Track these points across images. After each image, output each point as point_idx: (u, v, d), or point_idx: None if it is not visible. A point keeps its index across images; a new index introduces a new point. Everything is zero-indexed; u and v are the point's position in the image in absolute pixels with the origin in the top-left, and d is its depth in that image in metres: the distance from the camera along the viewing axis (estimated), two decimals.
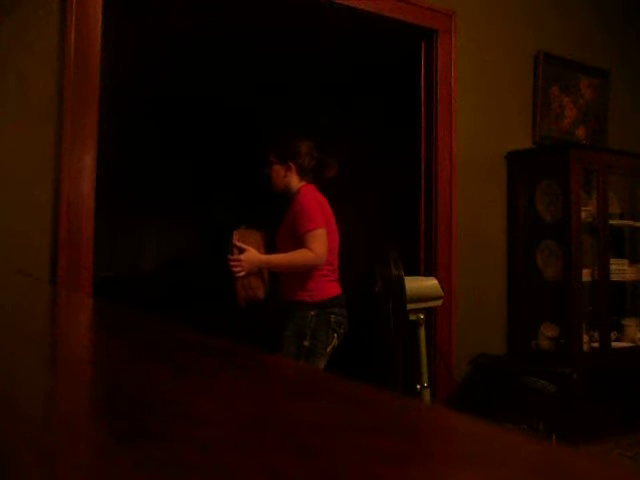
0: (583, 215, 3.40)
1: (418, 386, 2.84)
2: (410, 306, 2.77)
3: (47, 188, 2.31)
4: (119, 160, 4.80)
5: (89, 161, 2.37)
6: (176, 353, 0.52)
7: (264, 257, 2.57)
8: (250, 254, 2.54)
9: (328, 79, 4.89)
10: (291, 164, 2.65)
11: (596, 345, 3.45)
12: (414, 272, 3.14)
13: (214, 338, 0.53)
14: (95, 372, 0.45)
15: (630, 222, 3.86)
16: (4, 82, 2.26)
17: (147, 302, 4.77)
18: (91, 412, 0.34)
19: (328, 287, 2.57)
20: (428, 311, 3.04)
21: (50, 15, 2.34)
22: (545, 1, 3.81)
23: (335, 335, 2.53)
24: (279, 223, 2.66)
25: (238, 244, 2.56)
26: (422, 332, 2.89)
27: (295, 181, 2.66)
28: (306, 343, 2.47)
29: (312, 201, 2.56)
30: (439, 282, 2.94)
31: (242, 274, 2.54)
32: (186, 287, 5.54)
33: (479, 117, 3.49)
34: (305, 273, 2.53)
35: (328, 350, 2.52)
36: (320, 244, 2.47)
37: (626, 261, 3.77)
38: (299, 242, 2.48)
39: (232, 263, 2.54)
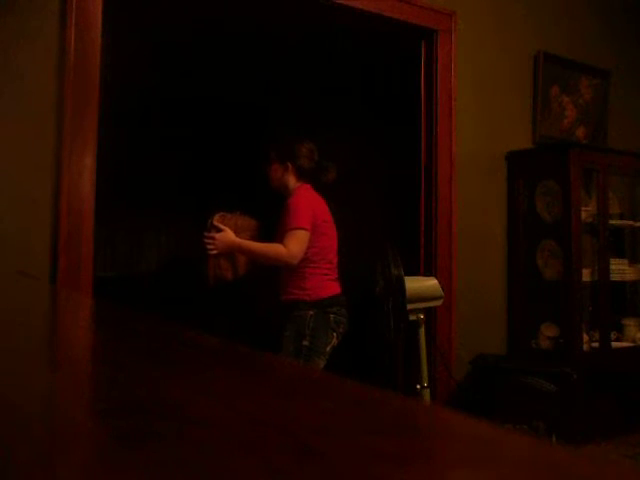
0: (583, 215, 3.40)
1: (418, 386, 2.84)
2: (410, 306, 2.77)
3: (47, 188, 2.31)
4: (119, 160, 4.80)
5: (89, 161, 2.37)
6: (176, 353, 0.52)
7: (238, 240, 2.57)
8: (225, 235, 2.56)
9: (328, 79, 4.89)
10: (289, 164, 2.65)
11: (596, 345, 3.45)
12: (414, 272, 3.14)
13: (214, 338, 0.53)
14: (95, 372, 0.45)
15: (630, 222, 3.86)
16: (4, 82, 2.26)
17: (147, 302, 4.77)
18: (91, 412, 0.34)
19: (327, 286, 2.57)
20: (428, 311, 3.04)
21: (50, 15, 2.34)
22: (545, 1, 3.81)
23: (334, 334, 2.53)
24: (276, 223, 2.66)
25: (216, 224, 2.58)
26: (422, 332, 2.89)
27: (292, 181, 2.66)
28: (305, 343, 2.47)
29: (303, 201, 2.55)
30: (439, 282, 2.94)
31: (214, 252, 2.57)
32: (186, 286, 5.54)
33: (479, 117, 3.49)
34: (304, 272, 2.53)
35: (327, 350, 2.52)
36: (297, 244, 2.47)
37: (626, 261, 3.77)
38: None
39: (206, 241, 2.57)
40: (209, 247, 2.57)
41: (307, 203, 2.56)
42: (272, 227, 2.69)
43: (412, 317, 2.84)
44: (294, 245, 2.46)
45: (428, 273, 3.22)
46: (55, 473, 0.23)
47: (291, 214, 2.50)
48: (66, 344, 0.60)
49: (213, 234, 2.57)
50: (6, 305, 0.96)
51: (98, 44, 2.41)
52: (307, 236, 2.49)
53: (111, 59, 2.63)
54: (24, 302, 1.07)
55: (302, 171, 2.65)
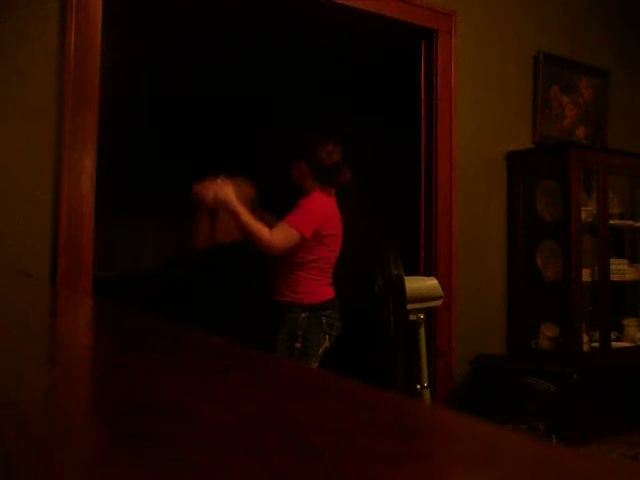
0: (583, 215, 3.40)
1: (418, 386, 2.84)
2: (410, 306, 2.77)
3: (47, 188, 2.31)
4: (119, 160, 4.80)
5: (89, 161, 2.37)
6: (176, 353, 0.52)
7: (235, 201, 2.42)
8: (227, 187, 2.42)
9: (328, 79, 4.89)
10: (303, 165, 2.58)
11: (596, 345, 3.45)
12: (414, 272, 3.14)
13: (214, 338, 0.53)
14: (95, 372, 0.45)
15: (630, 222, 3.86)
16: (4, 82, 2.26)
17: (147, 302, 4.77)
18: (91, 412, 0.34)
19: (319, 291, 2.55)
20: (428, 311, 3.04)
21: (50, 15, 2.34)
22: (545, 1, 3.81)
23: (327, 337, 2.53)
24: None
25: (222, 179, 2.45)
26: (422, 332, 2.89)
27: (309, 182, 2.58)
28: (298, 345, 2.48)
29: (315, 208, 2.50)
30: (439, 282, 2.94)
31: (209, 197, 2.41)
32: (186, 286, 5.54)
33: (479, 117, 3.49)
34: (298, 276, 2.51)
35: (320, 352, 2.52)
36: (283, 238, 2.42)
37: (626, 261, 3.77)
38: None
39: (205, 186, 2.42)
40: (203, 192, 2.42)
41: (319, 212, 2.50)
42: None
43: (412, 317, 2.84)
44: (279, 237, 2.41)
45: (428, 273, 3.22)
46: (55, 473, 0.23)
47: (297, 211, 2.47)
48: (66, 344, 0.60)
49: (216, 180, 2.43)
50: (6, 305, 0.96)
51: (98, 44, 2.41)
52: (297, 239, 2.43)
53: (111, 59, 2.63)
54: (24, 302, 1.07)
55: (318, 172, 2.57)
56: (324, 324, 2.52)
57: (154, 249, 5.97)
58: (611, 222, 3.59)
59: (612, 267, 3.54)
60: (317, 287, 2.54)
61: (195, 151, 5.89)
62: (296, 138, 2.69)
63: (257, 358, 0.46)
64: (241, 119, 5.74)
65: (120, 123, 4.47)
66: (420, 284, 2.90)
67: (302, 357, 2.47)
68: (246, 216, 2.43)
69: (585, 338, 3.36)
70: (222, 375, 0.41)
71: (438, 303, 2.97)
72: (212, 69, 4.97)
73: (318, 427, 0.29)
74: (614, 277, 3.57)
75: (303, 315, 2.49)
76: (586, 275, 3.39)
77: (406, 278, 2.75)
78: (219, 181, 2.44)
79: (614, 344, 3.56)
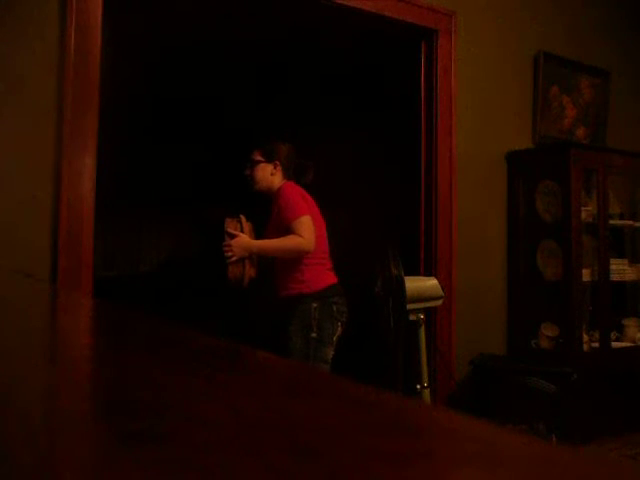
0: (583, 215, 3.40)
1: (418, 386, 2.84)
2: (410, 306, 2.77)
3: (47, 188, 2.31)
4: (119, 160, 4.80)
5: (89, 161, 2.37)
6: (176, 353, 0.52)
7: (255, 242, 2.61)
8: (240, 240, 2.59)
9: (327, 79, 4.89)
10: (277, 163, 2.73)
11: (596, 345, 3.45)
12: (414, 272, 3.14)
13: (214, 338, 0.53)
14: (95, 372, 0.45)
15: (630, 222, 3.86)
16: (4, 82, 2.26)
17: (147, 302, 4.76)
18: (91, 412, 0.34)
19: (324, 276, 2.60)
20: (428, 311, 3.04)
21: (50, 15, 2.34)
22: (545, 1, 3.81)
23: (339, 324, 2.57)
24: (265, 222, 2.70)
25: (230, 231, 2.60)
26: (422, 332, 2.89)
27: (277, 180, 2.72)
28: (313, 335, 2.50)
29: (294, 193, 2.62)
30: (439, 282, 2.94)
31: (234, 259, 2.59)
32: (186, 286, 5.54)
33: (479, 117, 3.49)
34: (300, 264, 2.56)
35: (334, 339, 2.55)
36: (307, 230, 2.51)
37: (626, 261, 3.77)
38: (286, 234, 2.52)
39: (225, 249, 2.61)
40: (227, 255, 2.60)
41: (297, 195, 2.62)
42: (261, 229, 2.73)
43: (412, 317, 2.84)
44: (305, 231, 2.51)
45: (428, 273, 3.22)
46: (55, 473, 0.23)
47: (287, 208, 2.55)
48: (66, 344, 0.60)
49: (229, 242, 2.60)
50: (6, 305, 0.96)
51: (98, 44, 2.41)
52: (311, 219, 2.55)
53: (111, 59, 2.63)
54: (24, 302, 1.07)
55: (286, 170, 2.74)
56: (335, 311, 2.56)
57: (154, 249, 5.97)
58: (611, 222, 3.60)
59: (612, 267, 3.54)
60: (321, 272, 2.59)
61: (194, 151, 5.88)
62: (263, 141, 2.79)
63: (257, 357, 0.46)
64: (240, 121, 5.74)
65: (120, 123, 4.46)
66: (420, 284, 2.90)
67: (319, 346, 2.50)
68: (271, 244, 2.59)
69: (585, 338, 3.36)
70: (221, 375, 0.41)
71: (438, 303, 2.97)
72: (212, 69, 4.97)
73: (318, 427, 0.29)
74: (614, 277, 3.57)
75: (314, 305, 2.53)
76: (586, 275, 3.39)
77: (406, 278, 2.75)
78: (232, 242, 2.60)
79: (614, 344, 3.56)
